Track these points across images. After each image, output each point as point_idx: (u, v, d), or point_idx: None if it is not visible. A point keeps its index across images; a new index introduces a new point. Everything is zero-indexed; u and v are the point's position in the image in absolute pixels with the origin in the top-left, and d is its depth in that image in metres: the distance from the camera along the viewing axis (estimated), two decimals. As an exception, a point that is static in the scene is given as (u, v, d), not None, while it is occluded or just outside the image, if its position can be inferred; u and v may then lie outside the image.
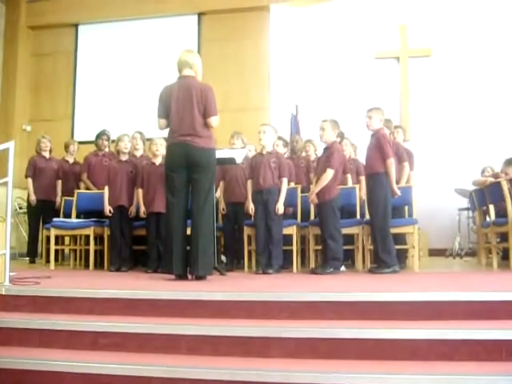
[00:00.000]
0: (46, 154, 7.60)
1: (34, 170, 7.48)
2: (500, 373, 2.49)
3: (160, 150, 5.80)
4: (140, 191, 5.97)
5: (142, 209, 5.88)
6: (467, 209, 8.24)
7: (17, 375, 2.84)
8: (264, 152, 5.65)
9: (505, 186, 5.44)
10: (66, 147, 7.74)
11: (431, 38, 9.77)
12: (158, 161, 5.86)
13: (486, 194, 5.93)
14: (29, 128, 10.37)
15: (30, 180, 7.45)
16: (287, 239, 5.65)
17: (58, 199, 7.31)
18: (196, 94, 4.50)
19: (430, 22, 9.77)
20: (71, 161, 7.70)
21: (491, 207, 5.77)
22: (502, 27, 9.49)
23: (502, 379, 2.45)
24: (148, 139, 6.59)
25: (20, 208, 8.99)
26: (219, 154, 4.92)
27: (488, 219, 5.96)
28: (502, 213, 5.66)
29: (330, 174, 5.30)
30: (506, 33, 9.47)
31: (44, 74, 10.58)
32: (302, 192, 6.05)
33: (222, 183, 6.24)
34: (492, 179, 6.24)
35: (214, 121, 4.57)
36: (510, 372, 2.50)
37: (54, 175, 7.52)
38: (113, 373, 2.75)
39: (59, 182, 7.50)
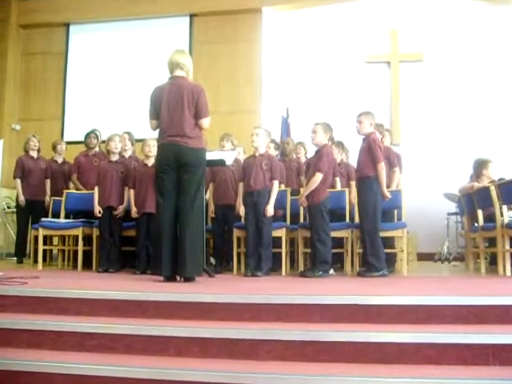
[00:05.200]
0: (34, 154, 7.56)
1: (23, 170, 7.43)
2: (487, 377, 2.50)
3: (153, 152, 5.75)
4: (132, 192, 5.96)
5: (134, 209, 5.86)
6: (456, 213, 8.29)
7: (3, 376, 2.81)
8: (257, 154, 5.66)
9: (493, 192, 5.47)
10: (54, 147, 7.71)
11: (422, 43, 9.84)
12: (151, 162, 5.83)
13: (475, 199, 5.96)
14: (18, 127, 10.31)
15: (18, 181, 7.41)
16: (276, 242, 5.64)
17: (48, 198, 7.28)
18: (187, 94, 4.49)
19: (421, 27, 9.84)
20: (60, 160, 7.67)
21: (479, 212, 5.81)
22: (493, 32, 9.58)
23: (488, 383, 2.46)
24: (138, 140, 6.58)
25: (8, 207, 8.94)
26: (209, 156, 4.92)
27: (476, 224, 5.99)
28: (490, 218, 5.69)
29: (318, 177, 5.32)
30: (497, 38, 9.55)
31: (34, 73, 10.54)
32: (292, 194, 6.05)
33: (211, 185, 6.23)
34: (478, 184, 6.28)
35: (205, 122, 4.57)
36: (496, 376, 2.51)
37: (42, 175, 7.48)
38: (100, 374, 2.73)
39: (48, 182, 7.47)
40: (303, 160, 6.91)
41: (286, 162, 6.78)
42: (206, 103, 4.56)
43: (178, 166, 4.47)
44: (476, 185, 6.27)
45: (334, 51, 10.02)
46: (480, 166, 6.58)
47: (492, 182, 6.12)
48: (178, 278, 4.43)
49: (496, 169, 6.67)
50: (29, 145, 7.55)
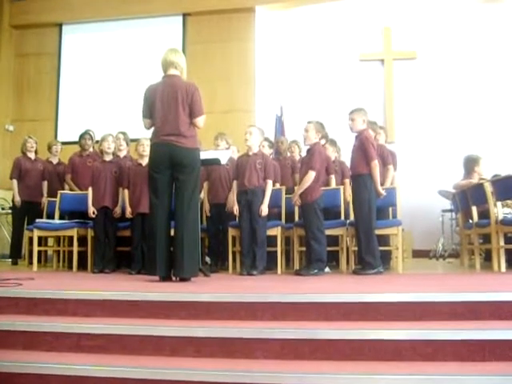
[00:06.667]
0: (32, 155, 7.55)
1: (20, 171, 7.42)
2: (483, 373, 2.51)
3: (146, 151, 5.69)
4: (126, 192, 5.94)
5: (129, 209, 5.84)
6: (450, 210, 8.30)
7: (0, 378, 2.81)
8: (250, 153, 5.66)
9: (487, 188, 5.48)
10: (49, 148, 7.69)
11: (416, 41, 9.87)
12: (145, 162, 5.80)
13: (469, 196, 5.97)
14: (12, 128, 10.27)
15: (15, 181, 7.40)
16: (271, 240, 5.65)
17: (44, 200, 7.25)
18: (181, 93, 4.48)
19: (415, 25, 9.87)
20: (55, 161, 7.66)
21: (474, 209, 5.82)
22: (486, 30, 9.61)
23: (484, 379, 2.47)
24: (132, 140, 6.56)
25: (2, 209, 8.90)
26: (204, 155, 4.91)
27: (471, 221, 6.01)
28: (484, 214, 5.71)
29: (311, 175, 5.32)
30: (490, 35, 9.58)
31: (27, 74, 10.49)
32: (287, 193, 6.05)
33: (206, 184, 6.23)
34: (473, 181, 6.29)
35: (200, 121, 4.56)
36: (492, 372, 2.52)
37: (39, 176, 7.48)
38: (97, 375, 2.73)
39: (45, 183, 7.45)
40: (298, 158, 6.92)
41: (280, 161, 6.79)
42: (200, 101, 4.55)
43: (172, 166, 4.46)
44: (472, 181, 6.29)
45: (328, 49, 10.03)
46: (472, 163, 6.59)
47: (482, 179, 6.14)
48: (174, 277, 4.43)
49: (487, 165, 6.69)
50: (25, 146, 7.54)
